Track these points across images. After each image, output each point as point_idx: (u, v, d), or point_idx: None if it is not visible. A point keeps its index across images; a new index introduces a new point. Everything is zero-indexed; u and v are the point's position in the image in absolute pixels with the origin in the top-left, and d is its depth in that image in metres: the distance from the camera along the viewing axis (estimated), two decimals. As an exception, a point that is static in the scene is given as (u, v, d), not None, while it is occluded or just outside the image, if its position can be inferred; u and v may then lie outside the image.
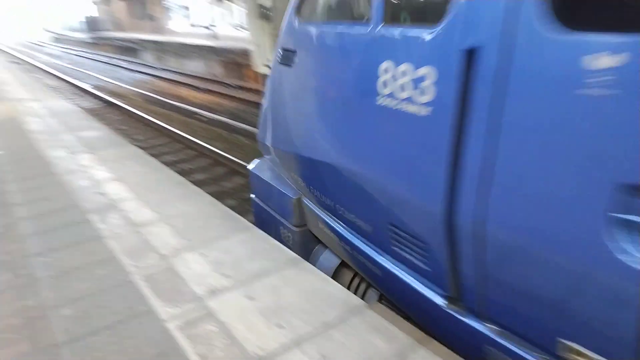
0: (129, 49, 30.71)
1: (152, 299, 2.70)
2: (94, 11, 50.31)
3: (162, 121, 10.63)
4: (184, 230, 3.57)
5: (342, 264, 3.35)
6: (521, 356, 1.94)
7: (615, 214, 1.43)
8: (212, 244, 3.34)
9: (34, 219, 3.84)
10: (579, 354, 1.72)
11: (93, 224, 3.71)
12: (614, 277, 1.48)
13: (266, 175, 3.94)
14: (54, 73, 20.61)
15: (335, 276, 3.32)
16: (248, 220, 3.83)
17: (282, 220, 3.76)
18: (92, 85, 17.43)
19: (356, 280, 3.27)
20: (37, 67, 23.75)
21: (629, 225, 1.42)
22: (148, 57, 27.66)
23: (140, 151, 5.84)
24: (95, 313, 2.60)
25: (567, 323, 1.74)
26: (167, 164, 6.39)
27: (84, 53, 33.40)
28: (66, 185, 4.58)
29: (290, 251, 3.23)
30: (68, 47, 38.12)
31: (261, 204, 4.09)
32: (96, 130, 6.93)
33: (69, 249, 3.31)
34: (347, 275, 3.34)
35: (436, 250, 2.22)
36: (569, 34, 1.46)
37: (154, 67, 22.73)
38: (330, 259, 3.46)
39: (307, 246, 3.68)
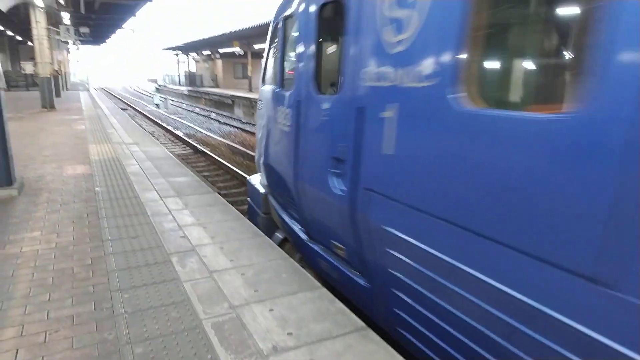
0: (222, 103, 33.25)
1: (218, 348, 2.76)
2: (192, 67, 55.84)
3: (242, 171, 11.20)
4: (254, 282, 3.66)
5: (285, 239, 5.18)
6: (329, 260, 3.93)
7: (331, 170, 3.48)
8: (279, 298, 3.39)
9: (121, 255, 4.15)
10: (337, 247, 3.73)
11: (173, 265, 3.93)
12: (334, 200, 3.45)
13: (254, 182, 6.01)
14: (153, 119, 22.70)
15: (280, 246, 4.90)
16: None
17: (257, 210, 5.76)
18: (184, 133, 18.92)
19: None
20: (140, 112, 26.32)
21: (336, 174, 3.43)
22: (239, 112, 29.69)
23: (221, 199, 6.17)
24: (164, 355, 2.70)
25: (329, 230, 3.80)
26: (244, 212, 6.67)
27: (181, 104, 36.55)
28: (154, 226, 4.93)
29: (356, 317, 3.19)
30: (168, 97, 42.00)
31: (250, 202, 6.22)
32: (184, 176, 7.46)
33: (148, 288, 3.52)
34: (288, 246, 5.07)
35: (296, 204, 4.30)
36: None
37: (243, 121, 24.27)
38: (279, 236, 5.31)
39: (269, 229, 5.43)
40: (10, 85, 35.46)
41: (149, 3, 23.32)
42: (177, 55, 58.96)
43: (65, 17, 24.80)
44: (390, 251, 2.90)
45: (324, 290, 3.55)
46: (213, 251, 4.29)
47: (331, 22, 3.60)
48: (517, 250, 1.98)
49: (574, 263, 1.76)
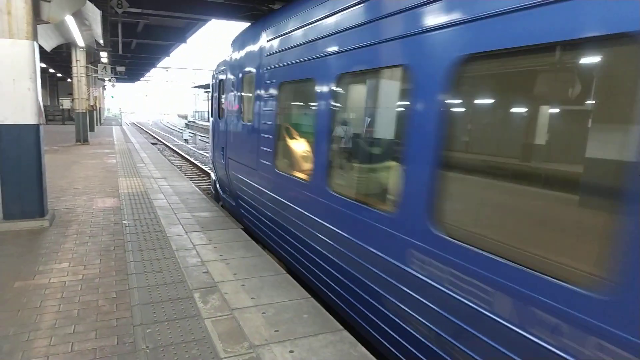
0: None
1: (237, 389, 2.73)
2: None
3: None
4: (275, 321, 3.64)
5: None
6: (226, 199, 8.76)
7: (220, 153, 8.77)
8: (300, 340, 3.35)
9: (145, 289, 4.20)
10: (225, 190, 8.82)
11: (195, 301, 3.95)
12: (221, 166, 8.66)
13: (212, 175, 10.26)
14: (182, 154, 23.27)
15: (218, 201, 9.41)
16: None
17: (212, 189, 10.53)
18: (211, 167, 19.26)
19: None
20: (169, 147, 27.05)
21: (222, 154, 8.61)
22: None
23: (244, 234, 6.21)
24: (183, 393, 2.68)
25: (224, 183, 8.72)
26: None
27: (209, 139, 37.38)
28: (178, 261, 4.99)
29: None
30: (197, 132, 43.10)
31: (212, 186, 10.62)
32: (209, 211, 7.57)
33: (170, 324, 3.53)
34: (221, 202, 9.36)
35: (218, 176, 9.38)
36: None
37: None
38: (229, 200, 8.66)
39: (217, 198, 9.73)
40: (48, 119, 37.17)
41: (182, 44, 24.35)
42: (206, 92, 61.08)
43: (103, 56, 26.12)
44: (235, 182, 7.46)
45: (346, 333, 3.50)
46: (234, 288, 4.30)
47: (220, 87, 8.88)
48: (249, 167, 6.67)
49: (252, 163, 6.53)
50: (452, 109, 2.83)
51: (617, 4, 1.86)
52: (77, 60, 21.22)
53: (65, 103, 38.51)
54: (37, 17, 6.19)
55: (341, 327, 3.60)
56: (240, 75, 7.23)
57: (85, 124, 21.03)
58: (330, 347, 3.27)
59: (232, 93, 7.71)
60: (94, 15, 12.66)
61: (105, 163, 13.69)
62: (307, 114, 5.09)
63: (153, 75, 56.99)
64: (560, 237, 2.37)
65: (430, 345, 2.92)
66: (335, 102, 4.28)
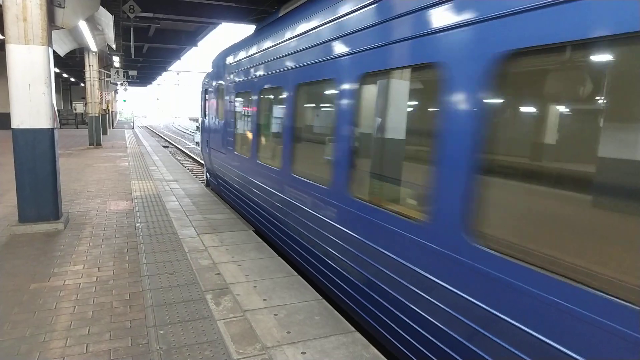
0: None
1: (250, 390, 2.74)
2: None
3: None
4: (287, 322, 3.65)
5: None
6: (211, 181, 11.72)
7: (205, 145, 11.75)
8: (312, 341, 3.36)
9: (158, 291, 4.24)
10: (211, 173, 11.64)
11: (208, 303, 3.98)
12: (205, 154, 11.97)
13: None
14: (193, 156, 23.43)
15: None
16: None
17: (205, 175, 13.14)
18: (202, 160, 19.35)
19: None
20: (181, 150, 27.25)
21: (207, 146, 11.58)
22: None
23: (256, 236, 6.24)
24: (197, 394, 2.70)
25: (208, 167, 11.92)
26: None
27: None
28: (190, 263, 5.03)
29: None
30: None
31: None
32: (221, 214, 7.61)
33: (183, 325, 3.56)
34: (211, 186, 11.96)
35: (211, 166, 11.37)
36: None
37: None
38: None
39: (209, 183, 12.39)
40: (62, 123, 37.69)
41: (194, 47, 24.55)
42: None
43: (116, 60, 26.43)
44: (215, 165, 10.50)
45: (358, 334, 3.50)
46: (246, 290, 4.32)
47: (205, 94, 11.70)
48: (222, 152, 9.54)
49: (224, 148, 9.37)
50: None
51: None
52: (90, 65, 21.51)
53: (79, 107, 39.02)
54: (51, 23, 6.29)
55: (353, 328, 3.60)
56: (215, 85, 10.22)
57: (98, 128, 21.29)
58: (342, 349, 3.27)
59: (213, 99, 10.70)
60: (107, 20, 12.83)
61: (118, 166, 13.84)
62: (251, 114, 7.50)
63: (165, 78, 57.48)
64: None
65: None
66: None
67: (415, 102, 3.75)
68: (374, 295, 3.72)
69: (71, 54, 20.72)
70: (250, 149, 7.32)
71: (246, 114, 7.89)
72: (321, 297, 4.22)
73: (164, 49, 27.25)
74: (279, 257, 5.35)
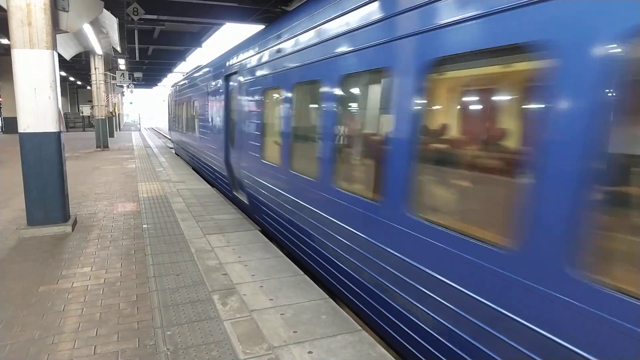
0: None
1: (257, 390, 2.74)
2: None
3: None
4: (294, 322, 3.64)
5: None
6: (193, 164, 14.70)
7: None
8: (319, 340, 3.35)
9: (165, 292, 4.25)
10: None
11: (214, 303, 3.98)
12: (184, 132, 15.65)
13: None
14: (199, 158, 23.54)
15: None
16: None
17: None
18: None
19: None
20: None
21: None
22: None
23: (262, 236, 6.25)
24: (204, 395, 2.70)
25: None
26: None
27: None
28: (197, 264, 5.04)
29: None
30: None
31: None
32: (227, 214, 7.63)
33: (190, 326, 3.57)
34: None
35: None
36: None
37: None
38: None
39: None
40: (69, 126, 37.96)
41: (198, 48, 24.64)
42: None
43: (121, 62, 26.58)
44: (182, 148, 17.02)
45: (364, 333, 3.48)
46: (253, 289, 4.32)
47: (170, 101, 20.46)
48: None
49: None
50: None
51: None
52: (95, 68, 21.64)
53: (85, 110, 39.31)
54: (56, 27, 6.33)
55: (359, 327, 3.59)
56: (173, 95, 13.46)
57: (105, 130, 21.42)
58: (349, 348, 3.26)
59: (173, 104, 14.69)
60: (111, 22, 12.90)
61: (125, 168, 13.92)
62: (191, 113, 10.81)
63: (171, 80, 57.72)
64: None
65: None
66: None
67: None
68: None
69: (77, 57, 20.86)
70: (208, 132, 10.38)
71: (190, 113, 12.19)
72: (327, 296, 4.21)
73: (168, 50, 27.34)
74: (285, 257, 5.35)
